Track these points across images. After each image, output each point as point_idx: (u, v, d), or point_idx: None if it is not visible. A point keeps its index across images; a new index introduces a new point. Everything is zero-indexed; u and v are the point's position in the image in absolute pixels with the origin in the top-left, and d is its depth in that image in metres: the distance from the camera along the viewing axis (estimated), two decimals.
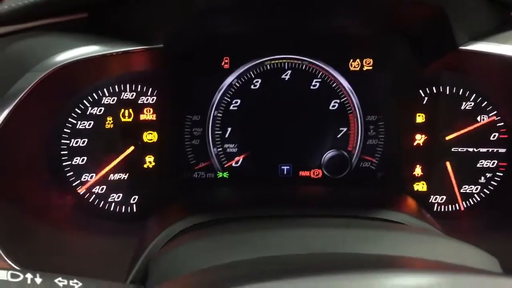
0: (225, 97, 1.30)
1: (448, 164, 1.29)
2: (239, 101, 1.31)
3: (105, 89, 1.22)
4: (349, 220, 0.99)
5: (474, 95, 1.27)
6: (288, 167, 1.34)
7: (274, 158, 1.34)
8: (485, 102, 1.27)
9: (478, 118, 1.28)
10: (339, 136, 1.33)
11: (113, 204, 1.27)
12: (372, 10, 1.11)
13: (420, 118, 1.29)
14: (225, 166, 1.33)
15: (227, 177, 1.34)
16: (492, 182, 1.30)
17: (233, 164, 1.33)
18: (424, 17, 1.06)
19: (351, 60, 1.30)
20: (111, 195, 1.27)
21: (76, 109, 1.21)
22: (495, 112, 1.27)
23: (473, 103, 1.27)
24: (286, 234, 0.87)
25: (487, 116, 1.27)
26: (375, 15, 1.14)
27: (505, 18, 1.08)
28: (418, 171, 1.31)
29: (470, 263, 0.73)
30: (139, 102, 1.24)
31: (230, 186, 1.33)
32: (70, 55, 0.95)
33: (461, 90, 1.26)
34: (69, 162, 1.23)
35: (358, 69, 1.30)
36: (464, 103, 1.27)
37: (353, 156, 1.34)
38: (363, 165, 1.35)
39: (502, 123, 1.27)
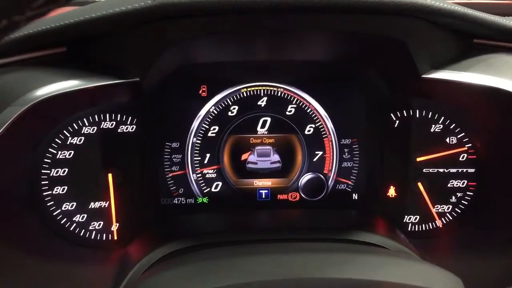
0: (203, 124, 1.33)
1: (420, 184, 1.33)
2: (217, 127, 1.34)
3: (85, 119, 1.24)
4: (324, 244, 1.02)
5: (443, 118, 1.31)
6: (266, 191, 1.37)
7: (253, 182, 1.37)
8: (453, 124, 1.32)
9: (447, 140, 1.32)
10: (315, 159, 1.37)
11: (94, 232, 1.28)
12: (340, 42, 1.16)
13: (392, 141, 1.33)
14: (204, 191, 1.36)
15: (207, 202, 1.36)
16: (462, 202, 1.34)
17: (212, 189, 1.36)
18: (388, 49, 1.10)
19: (325, 87, 1.35)
20: (92, 223, 1.28)
21: (56, 139, 1.23)
22: (463, 133, 1.32)
23: (441, 126, 1.32)
24: (264, 260, 0.90)
25: (455, 138, 1.32)
26: (345, 46, 1.18)
27: (467, 45, 1.12)
28: (392, 192, 1.35)
29: (434, 285, 0.76)
30: (119, 131, 1.27)
31: (210, 211, 1.35)
32: (49, 89, 0.97)
33: (430, 113, 1.31)
34: (49, 192, 1.24)
35: (331, 95, 1.35)
36: (433, 125, 1.32)
37: (329, 178, 1.38)
38: (339, 187, 1.39)
39: (470, 144, 1.32)
